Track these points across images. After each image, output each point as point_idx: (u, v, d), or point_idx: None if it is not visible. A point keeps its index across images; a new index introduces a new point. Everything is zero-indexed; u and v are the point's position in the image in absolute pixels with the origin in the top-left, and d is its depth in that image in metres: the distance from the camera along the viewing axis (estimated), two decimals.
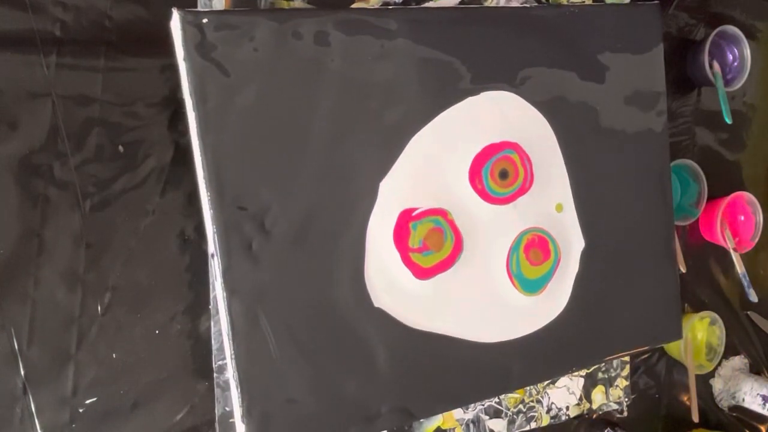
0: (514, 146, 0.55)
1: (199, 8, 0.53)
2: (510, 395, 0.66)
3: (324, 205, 0.48)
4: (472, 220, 0.54)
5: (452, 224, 0.53)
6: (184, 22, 0.43)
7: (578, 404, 0.70)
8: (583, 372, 0.70)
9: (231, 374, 0.46)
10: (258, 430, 0.46)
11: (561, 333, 0.58)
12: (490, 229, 0.55)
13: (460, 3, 0.62)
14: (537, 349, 0.57)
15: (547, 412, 0.68)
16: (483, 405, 0.65)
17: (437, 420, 0.62)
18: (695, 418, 0.76)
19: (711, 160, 0.80)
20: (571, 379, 0.70)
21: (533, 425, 0.67)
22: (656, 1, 0.62)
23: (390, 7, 0.58)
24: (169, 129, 0.52)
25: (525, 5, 0.63)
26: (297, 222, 0.47)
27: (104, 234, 0.50)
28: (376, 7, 0.58)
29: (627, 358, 0.73)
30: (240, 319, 0.46)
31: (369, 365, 0.50)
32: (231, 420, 0.54)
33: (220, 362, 0.54)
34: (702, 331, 0.78)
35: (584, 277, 0.59)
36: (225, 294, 0.45)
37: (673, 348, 0.76)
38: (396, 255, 0.50)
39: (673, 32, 0.76)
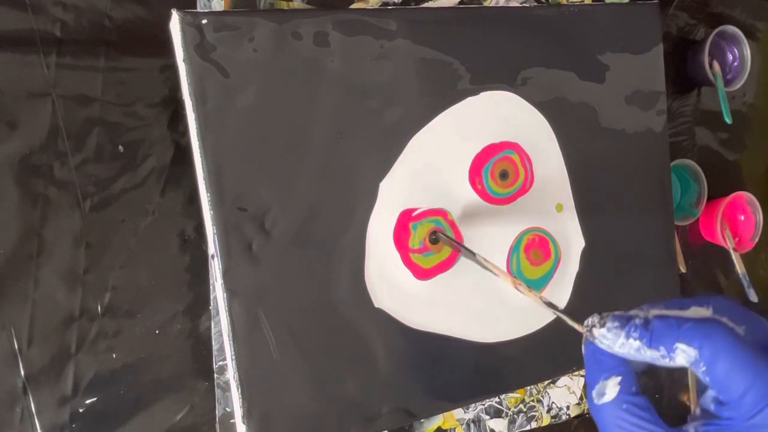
0: (514, 146, 0.55)
1: (199, 9, 0.53)
2: (510, 395, 0.66)
3: (324, 206, 0.48)
4: (472, 221, 0.54)
5: (452, 225, 0.53)
6: (184, 23, 0.43)
7: (579, 404, 0.70)
8: (584, 371, 0.70)
9: (231, 375, 0.46)
10: (259, 431, 0.47)
11: (561, 333, 0.58)
12: (490, 229, 0.55)
13: (459, 3, 0.62)
14: (537, 349, 0.57)
15: (548, 411, 0.68)
16: (483, 405, 0.65)
17: (437, 420, 0.62)
18: None
19: (711, 160, 0.80)
20: (571, 378, 0.70)
21: (534, 425, 0.67)
22: (656, 1, 0.62)
23: (390, 7, 0.58)
24: (169, 129, 0.52)
25: (525, 5, 0.63)
26: (297, 222, 0.47)
27: (104, 234, 0.50)
28: (376, 7, 0.58)
29: None
30: (240, 320, 0.46)
31: (369, 365, 0.50)
32: (232, 421, 0.54)
33: (220, 363, 0.54)
34: None
35: (584, 276, 0.59)
36: (225, 295, 0.45)
37: None
38: (396, 255, 0.50)
39: (673, 32, 0.76)
